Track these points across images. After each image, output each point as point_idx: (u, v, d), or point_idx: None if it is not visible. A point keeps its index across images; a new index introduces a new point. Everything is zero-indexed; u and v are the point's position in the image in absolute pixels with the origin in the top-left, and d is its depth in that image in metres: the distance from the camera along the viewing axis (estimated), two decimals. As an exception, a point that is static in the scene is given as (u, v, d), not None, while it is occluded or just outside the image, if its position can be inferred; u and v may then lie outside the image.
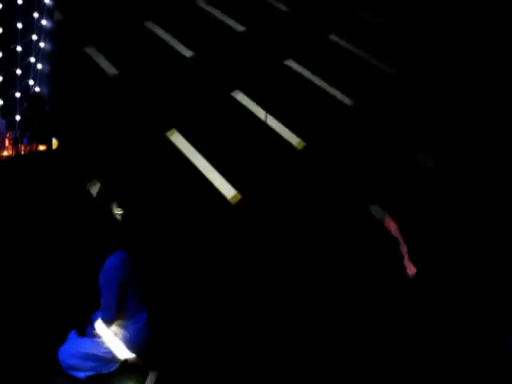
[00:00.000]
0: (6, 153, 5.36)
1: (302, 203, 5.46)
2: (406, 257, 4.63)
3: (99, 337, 3.27)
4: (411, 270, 4.55)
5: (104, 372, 3.32)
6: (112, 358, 3.27)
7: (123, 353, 3.27)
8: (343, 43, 8.01)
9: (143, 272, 3.26)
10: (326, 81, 7.24)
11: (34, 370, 3.54)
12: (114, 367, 3.32)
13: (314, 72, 7.40)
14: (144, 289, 3.27)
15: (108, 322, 3.22)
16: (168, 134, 6.40)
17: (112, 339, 3.24)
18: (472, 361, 3.82)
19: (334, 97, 7.03)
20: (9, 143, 5.41)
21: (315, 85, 7.22)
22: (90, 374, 3.31)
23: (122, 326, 3.26)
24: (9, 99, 6.20)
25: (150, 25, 8.25)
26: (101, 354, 3.25)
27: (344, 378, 3.74)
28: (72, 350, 3.29)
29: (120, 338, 3.25)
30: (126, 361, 3.33)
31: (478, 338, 3.98)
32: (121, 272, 3.12)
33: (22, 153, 5.42)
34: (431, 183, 5.55)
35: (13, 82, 6.30)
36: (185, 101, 6.92)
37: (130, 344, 3.26)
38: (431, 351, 3.91)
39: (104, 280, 3.18)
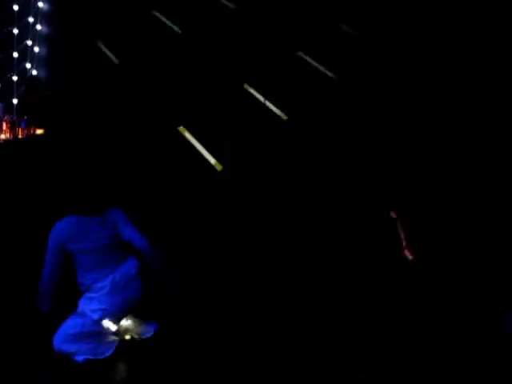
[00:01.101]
0: (3, 136, 5.33)
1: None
2: (404, 243, 4.59)
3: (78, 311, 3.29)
4: (409, 255, 4.51)
5: (101, 356, 3.29)
6: (102, 332, 3.27)
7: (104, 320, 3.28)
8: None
9: (99, 238, 3.26)
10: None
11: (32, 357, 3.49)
12: (111, 351, 3.31)
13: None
14: (101, 256, 3.28)
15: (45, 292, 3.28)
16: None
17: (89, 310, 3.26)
18: (471, 336, 3.79)
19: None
20: (6, 127, 5.37)
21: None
22: (88, 357, 3.26)
23: (91, 295, 3.29)
24: (6, 82, 6.15)
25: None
26: (90, 329, 3.24)
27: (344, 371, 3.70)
28: (62, 335, 3.24)
29: (95, 307, 3.27)
30: (122, 344, 3.33)
31: (477, 313, 3.95)
32: (61, 235, 3.20)
33: (20, 136, 5.38)
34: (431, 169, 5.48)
35: (10, 65, 6.25)
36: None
37: (106, 312, 3.26)
38: (432, 331, 3.88)
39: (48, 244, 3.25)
